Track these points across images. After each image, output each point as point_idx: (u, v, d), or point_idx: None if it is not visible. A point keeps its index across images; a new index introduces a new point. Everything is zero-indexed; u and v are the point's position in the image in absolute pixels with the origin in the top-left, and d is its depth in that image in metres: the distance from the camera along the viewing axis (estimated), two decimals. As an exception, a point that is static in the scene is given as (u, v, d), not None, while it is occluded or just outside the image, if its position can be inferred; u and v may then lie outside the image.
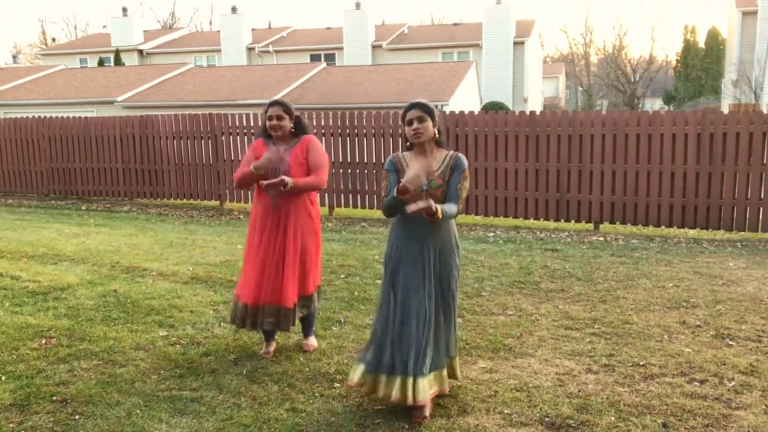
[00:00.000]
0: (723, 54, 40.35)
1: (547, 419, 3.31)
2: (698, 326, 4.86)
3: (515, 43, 27.62)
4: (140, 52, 32.25)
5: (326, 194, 11.41)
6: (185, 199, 12.49)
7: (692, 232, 9.64)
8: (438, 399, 3.49)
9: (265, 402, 3.52)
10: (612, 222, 9.85)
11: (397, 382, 3.28)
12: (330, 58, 29.35)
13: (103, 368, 3.96)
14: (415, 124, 3.41)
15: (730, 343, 4.49)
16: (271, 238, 4.08)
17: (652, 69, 49.83)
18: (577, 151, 9.84)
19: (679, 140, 9.36)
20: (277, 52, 30.62)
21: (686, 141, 9.31)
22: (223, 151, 12.11)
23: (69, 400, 3.51)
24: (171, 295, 5.62)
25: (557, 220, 10.18)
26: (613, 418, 3.30)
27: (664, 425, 3.22)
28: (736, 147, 9.12)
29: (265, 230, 4.10)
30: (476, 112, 10.59)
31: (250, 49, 31.04)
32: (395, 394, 3.27)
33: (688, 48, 43.47)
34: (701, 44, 42.95)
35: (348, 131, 11.16)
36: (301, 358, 4.15)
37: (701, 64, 41.68)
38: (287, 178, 3.95)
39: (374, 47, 29.31)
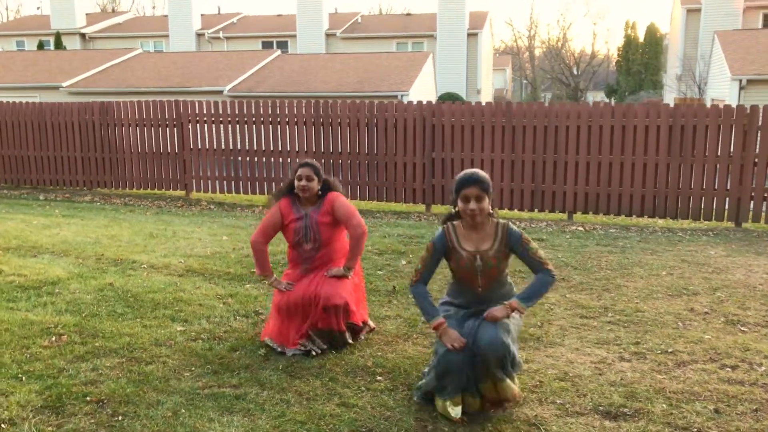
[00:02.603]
0: (661, 49, 41.81)
1: (601, 408, 3.33)
2: (707, 313, 5.00)
3: (469, 35, 27.82)
4: (82, 35, 30.92)
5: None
6: (149, 189, 12.06)
7: (661, 222, 9.94)
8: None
9: (313, 397, 3.41)
10: (585, 212, 10.06)
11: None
12: (282, 46, 28.87)
13: (129, 366, 3.77)
14: (473, 204, 3.20)
15: (743, 329, 4.63)
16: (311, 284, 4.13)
17: (595, 63, 51.16)
18: (553, 142, 9.98)
19: (651, 132, 9.62)
20: (227, 38, 29.89)
21: (658, 133, 9.58)
22: (190, 139, 11.75)
23: (105, 401, 3.32)
24: (172, 288, 5.41)
25: (531, 210, 10.32)
26: (664, 406, 3.35)
27: (716, 411, 3.29)
28: (705, 139, 9.44)
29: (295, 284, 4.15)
30: (453, 103, 10.60)
31: (199, 35, 30.20)
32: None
33: (629, 43, 44.77)
34: (641, 40, 44.31)
35: (322, 120, 10.98)
36: (333, 352, 4.05)
37: (641, 59, 43.00)
38: (340, 271, 4.08)
39: (328, 36, 28.99)
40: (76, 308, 4.81)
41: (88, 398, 3.34)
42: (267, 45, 29.29)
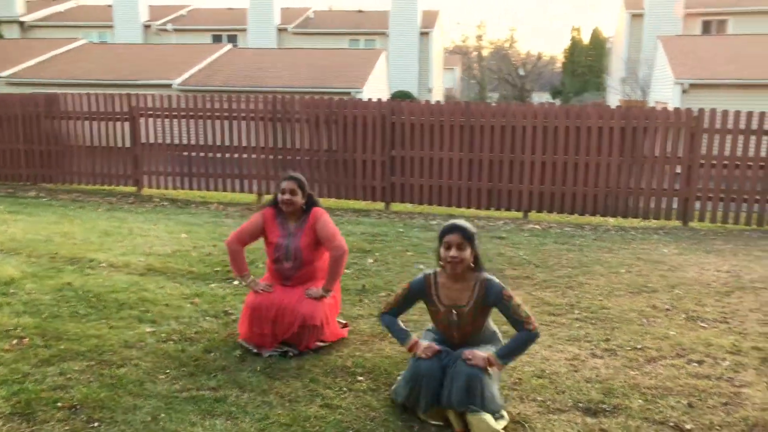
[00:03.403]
0: (605, 52, 43.00)
1: (580, 405, 3.40)
2: (668, 310, 5.17)
3: (421, 34, 27.96)
4: (21, 24, 29.65)
5: (255, 181, 11.07)
6: (98, 185, 11.68)
7: (612, 221, 10.21)
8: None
9: (295, 399, 3.37)
10: (540, 211, 10.25)
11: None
12: (233, 40, 28.36)
13: (100, 369, 3.63)
14: (454, 252, 3.17)
15: (702, 325, 4.80)
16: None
17: (540, 64, 52.18)
18: (510, 142, 10.13)
19: (604, 133, 9.87)
20: (176, 30, 29.17)
21: (611, 134, 9.85)
22: (142, 133, 11.42)
23: (78, 407, 3.19)
24: (135, 287, 5.24)
25: (488, 208, 10.46)
26: (641, 401, 3.44)
27: (690, 405, 3.40)
28: (654, 141, 9.75)
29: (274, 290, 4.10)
30: (412, 101, 10.62)
31: (146, 27, 29.37)
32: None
33: (574, 46, 45.99)
34: (586, 43, 45.49)
35: (280, 116, 10.84)
36: (310, 352, 4.00)
37: (586, 62, 44.16)
38: (319, 292, 4.01)
39: (280, 30, 28.64)
40: (34, 309, 4.61)
41: (59, 404, 3.21)
42: (217, 38, 28.73)
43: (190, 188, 11.34)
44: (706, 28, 25.95)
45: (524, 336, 3.19)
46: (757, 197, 9.58)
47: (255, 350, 3.95)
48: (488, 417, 3.03)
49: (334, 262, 4.04)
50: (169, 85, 19.93)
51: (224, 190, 11.27)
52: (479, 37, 55.49)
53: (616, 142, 9.83)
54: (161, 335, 4.20)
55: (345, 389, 3.51)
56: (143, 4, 29.43)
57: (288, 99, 10.90)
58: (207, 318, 4.59)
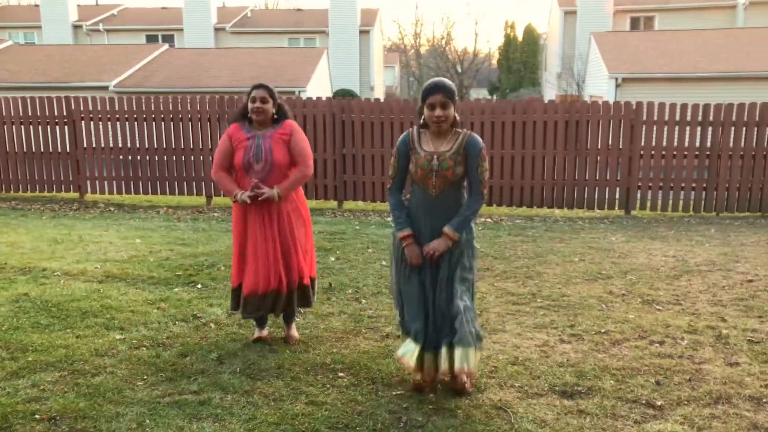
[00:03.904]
0: (539, 48, 44.09)
1: (556, 388, 3.53)
2: (624, 295, 5.40)
3: (361, 32, 28.01)
4: (-61, 24, 28.22)
5: (203, 184, 10.89)
6: (37, 191, 11.25)
7: (558, 212, 10.53)
8: (445, 378, 3.59)
9: (280, 398, 3.37)
10: (489, 204, 10.47)
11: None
12: (168, 40, 27.72)
13: (74, 379, 3.54)
14: (438, 111, 3.30)
15: (658, 307, 5.04)
16: (262, 227, 3.91)
17: (477, 61, 53.00)
18: (459, 138, 10.30)
19: (549, 127, 10.17)
20: (108, 31, 28.30)
21: (556, 128, 10.15)
22: (83, 137, 11.06)
23: (57, 418, 3.11)
24: (96, 295, 5.11)
25: (440, 203, 10.60)
26: (612, 382, 3.60)
27: (657, 383, 3.58)
28: (597, 133, 10.11)
29: (254, 222, 3.94)
30: (362, 99, 10.68)
31: (76, 27, 28.36)
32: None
33: (509, 42, 46.85)
34: (520, 39, 46.45)
35: (228, 116, 10.69)
36: (288, 351, 4.01)
37: (521, 58, 45.10)
38: (272, 192, 3.90)
39: (217, 30, 28.16)
40: (-8, 322, 4.45)
41: (36, 416, 3.11)
42: (152, 39, 28.02)
43: (136, 193, 11.06)
44: (635, 24, 26.97)
45: (473, 203, 3.44)
46: (693, 185, 10.07)
47: (255, 337, 4.11)
48: (472, 351, 3.28)
49: (298, 174, 3.99)
50: (105, 87, 19.38)
51: (172, 193, 11.04)
52: (416, 35, 55.95)
53: (561, 135, 10.15)
54: (132, 342, 4.12)
55: (327, 386, 3.54)
56: (72, 4, 28.44)
57: (237, 99, 10.76)
58: (176, 323, 4.53)
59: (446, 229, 3.39)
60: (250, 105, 3.94)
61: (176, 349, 4.02)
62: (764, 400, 3.38)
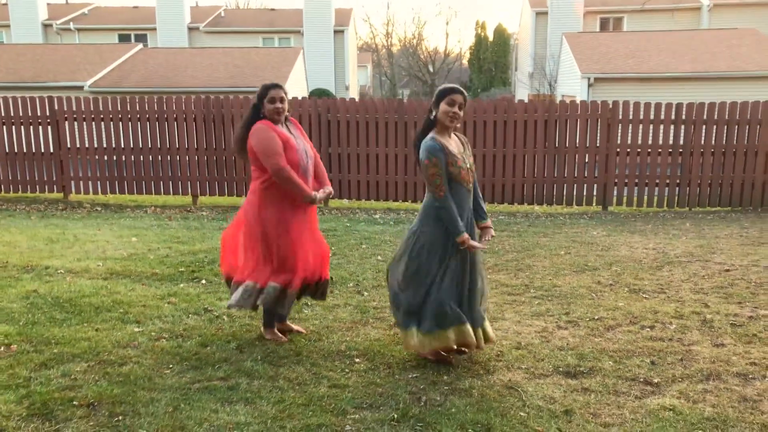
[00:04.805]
0: (509, 48, 44.70)
1: (560, 369, 3.78)
2: (611, 285, 5.70)
3: (335, 32, 28.15)
4: None
5: (189, 183, 10.97)
6: (20, 192, 11.20)
7: (538, 208, 10.86)
8: (457, 362, 3.82)
9: (304, 382, 3.57)
10: (472, 201, 10.74)
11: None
12: (141, 39, 27.50)
13: (102, 369, 3.68)
14: (456, 109, 3.65)
15: (644, 296, 5.35)
16: (306, 222, 4.13)
17: (449, 61, 53.45)
18: (443, 137, 10.56)
19: (530, 126, 10.49)
20: (79, 30, 27.94)
21: (536, 127, 10.48)
22: (67, 137, 11.06)
23: (95, 404, 3.26)
24: (104, 291, 5.23)
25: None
26: (611, 363, 3.87)
27: (653, 363, 3.86)
28: (575, 132, 10.46)
29: (300, 218, 4.08)
30: (347, 99, 10.87)
31: (46, 26, 27.96)
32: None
33: (480, 42, 47.40)
34: (491, 39, 47.00)
35: (213, 116, 10.79)
36: (303, 340, 4.20)
37: (492, 58, 45.66)
38: (330, 189, 4.25)
39: (191, 29, 28.02)
40: (8, 317, 4.54)
41: (75, 402, 3.26)
42: (124, 38, 27.78)
43: (121, 192, 11.09)
44: (604, 24, 27.60)
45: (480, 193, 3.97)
46: (667, 181, 10.49)
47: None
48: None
49: (321, 167, 4.27)
50: (80, 87, 19.21)
51: (158, 193, 11.09)
52: (388, 34, 56.16)
53: (540, 134, 10.48)
54: (151, 334, 4.27)
55: (346, 370, 3.74)
56: (41, 2, 28.01)
57: (223, 99, 10.87)
58: (190, 315, 4.68)
59: (489, 222, 3.95)
60: (269, 105, 3.98)
61: (195, 339, 4.18)
62: (750, 376, 3.68)
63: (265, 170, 3.96)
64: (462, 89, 3.73)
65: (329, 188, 4.21)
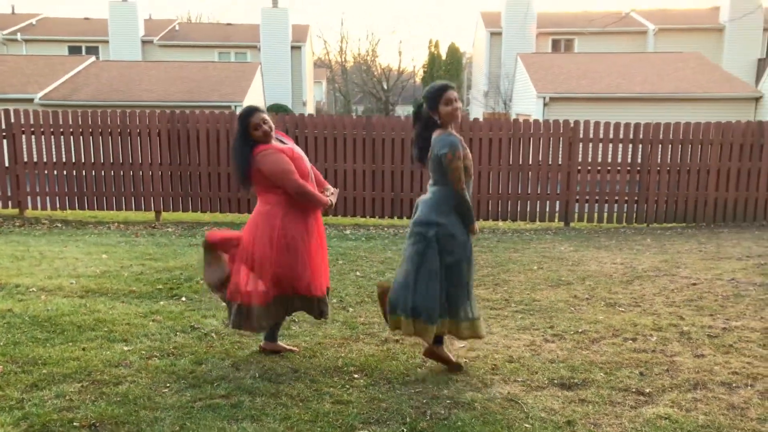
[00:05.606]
0: (462, 67, 45.53)
1: (555, 381, 3.88)
2: (588, 298, 5.86)
3: (292, 48, 28.15)
4: None
5: (152, 198, 10.77)
6: (-28, 208, 10.80)
7: (502, 224, 11.07)
8: (455, 376, 3.88)
9: (306, 399, 3.56)
10: (438, 217, 10.87)
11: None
12: (93, 52, 26.93)
13: (97, 389, 3.59)
14: (458, 104, 3.77)
15: (621, 309, 5.52)
16: (315, 234, 4.15)
17: (402, 78, 53.97)
18: (410, 154, 10.69)
19: (494, 144, 10.72)
20: (27, 41, 27.17)
21: (500, 145, 10.71)
22: (23, 152, 10.73)
23: (97, 424, 3.18)
24: (84, 309, 5.10)
25: (392, 217, 10.96)
26: (602, 374, 3.99)
27: (641, 374, 4.00)
28: (538, 150, 10.74)
29: (313, 230, 4.09)
30: (315, 115, 10.88)
31: (-9, 36, 27.13)
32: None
33: (433, 60, 48.16)
34: (444, 57, 47.79)
35: (178, 130, 10.65)
36: (298, 357, 4.19)
37: (445, 76, 46.37)
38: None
39: (144, 42, 27.59)
40: (-14, 338, 4.39)
41: (75, 423, 3.18)
42: (75, 50, 27.14)
43: (81, 208, 10.81)
44: (556, 46, 28.42)
45: None
46: (626, 198, 10.85)
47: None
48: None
49: (315, 168, 4.32)
50: (29, 100, 18.70)
51: (119, 209, 10.85)
52: (342, 51, 56.39)
53: (504, 151, 10.71)
54: (141, 353, 4.18)
55: (347, 386, 3.75)
56: (-13, 12, 27.17)
57: (189, 113, 10.74)
58: (178, 333, 4.61)
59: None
60: (256, 132, 3.96)
61: (188, 358, 4.12)
62: (734, 384, 3.85)
63: (272, 188, 3.97)
64: (451, 84, 3.88)
65: (332, 188, 4.30)
